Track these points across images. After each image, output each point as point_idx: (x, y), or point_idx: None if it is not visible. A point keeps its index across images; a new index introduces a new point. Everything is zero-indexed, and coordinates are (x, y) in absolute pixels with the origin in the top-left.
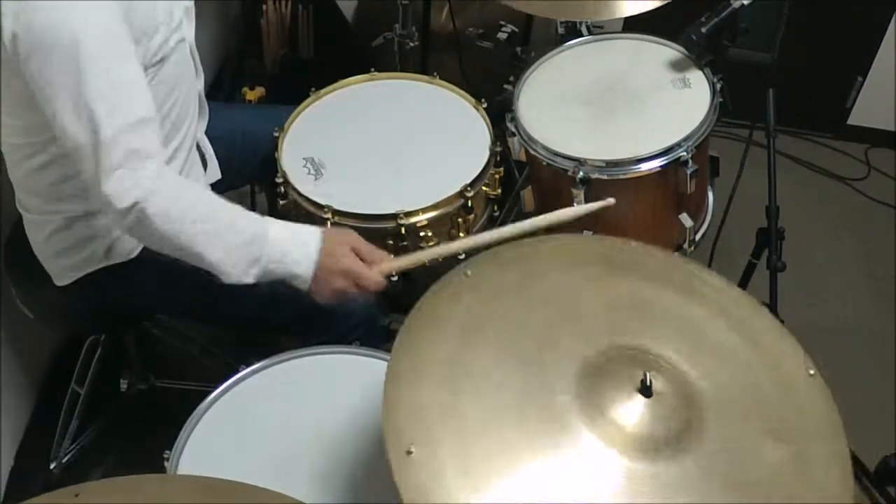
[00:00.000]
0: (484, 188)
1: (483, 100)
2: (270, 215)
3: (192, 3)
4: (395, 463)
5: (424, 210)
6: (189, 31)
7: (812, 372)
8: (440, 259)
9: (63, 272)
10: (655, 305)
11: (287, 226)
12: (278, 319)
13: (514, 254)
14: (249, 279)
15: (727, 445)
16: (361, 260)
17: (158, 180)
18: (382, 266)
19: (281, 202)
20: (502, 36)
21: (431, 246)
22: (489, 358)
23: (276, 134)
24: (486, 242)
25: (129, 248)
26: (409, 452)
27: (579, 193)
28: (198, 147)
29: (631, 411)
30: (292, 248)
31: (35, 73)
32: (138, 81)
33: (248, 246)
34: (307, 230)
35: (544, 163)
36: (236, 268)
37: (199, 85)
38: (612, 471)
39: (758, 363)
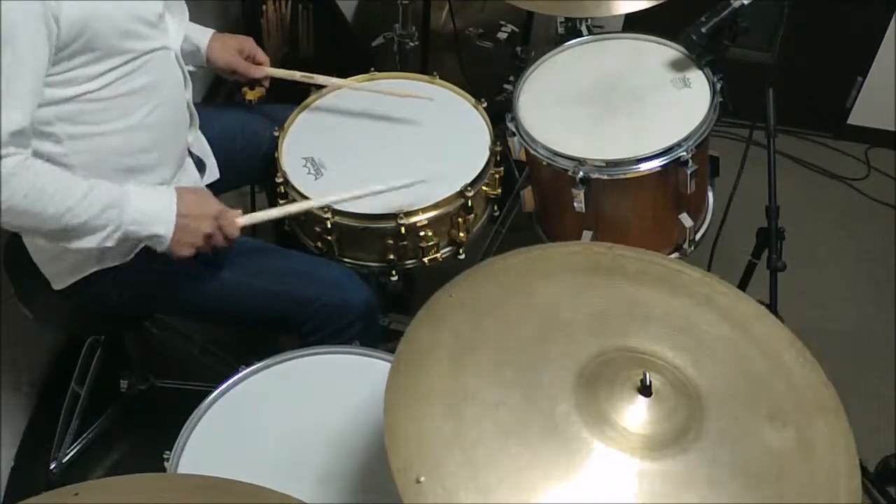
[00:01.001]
0: (484, 188)
1: (483, 100)
2: None
3: (178, 5)
4: (405, 494)
5: (424, 210)
6: (175, 40)
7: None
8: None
9: (60, 276)
10: (641, 304)
11: (143, 190)
12: (276, 318)
13: (496, 268)
14: (111, 243)
15: (730, 435)
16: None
17: (17, 168)
18: (233, 229)
19: (281, 202)
20: (502, 36)
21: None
22: (484, 379)
23: (276, 134)
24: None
25: (125, 250)
26: (418, 481)
27: (579, 193)
28: (191, 152)
29: (634, 412)
30: (150, 211)
31: None
32: (34, 93)
33: (105, 211)
34: (163, 193)
35: (544, 163)
36: (97, 234)
37: (187, 94)
38: (623, 473)
39: (749, 350)
